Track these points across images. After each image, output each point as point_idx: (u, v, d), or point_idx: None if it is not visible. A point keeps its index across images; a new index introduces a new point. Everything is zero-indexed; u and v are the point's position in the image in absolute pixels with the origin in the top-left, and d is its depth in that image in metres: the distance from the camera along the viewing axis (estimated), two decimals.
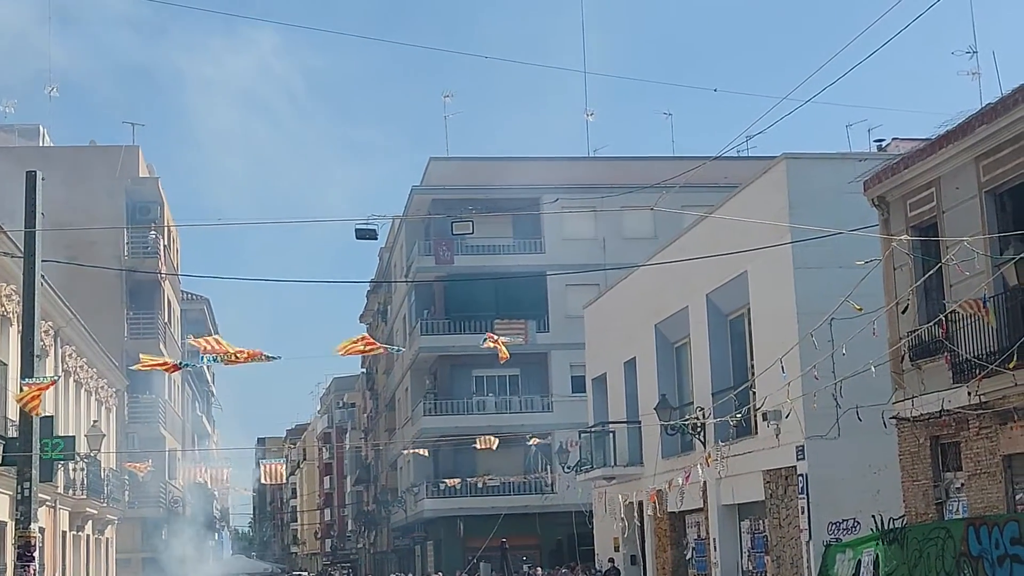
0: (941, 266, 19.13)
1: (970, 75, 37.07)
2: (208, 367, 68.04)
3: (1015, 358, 17.32)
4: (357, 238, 48.60)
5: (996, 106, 19.04)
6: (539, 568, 44.66)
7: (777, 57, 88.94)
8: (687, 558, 33.23)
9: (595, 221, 53.42)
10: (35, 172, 22.38)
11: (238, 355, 18.69)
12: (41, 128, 52.78)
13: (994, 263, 18.33)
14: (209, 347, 18.78)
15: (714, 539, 30.23)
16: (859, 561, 19.02)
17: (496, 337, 22.43)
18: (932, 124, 26.51)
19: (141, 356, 21.04)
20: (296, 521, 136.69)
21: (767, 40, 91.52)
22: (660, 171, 37.45)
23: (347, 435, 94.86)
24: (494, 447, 40.70)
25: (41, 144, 51.72)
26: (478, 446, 40.25)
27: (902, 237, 20.03)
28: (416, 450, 41.93)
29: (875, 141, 35.90)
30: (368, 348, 20.37)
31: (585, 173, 53.89)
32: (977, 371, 18.41)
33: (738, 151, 36.55)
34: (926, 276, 19.84)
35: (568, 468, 39.87)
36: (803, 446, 24.99)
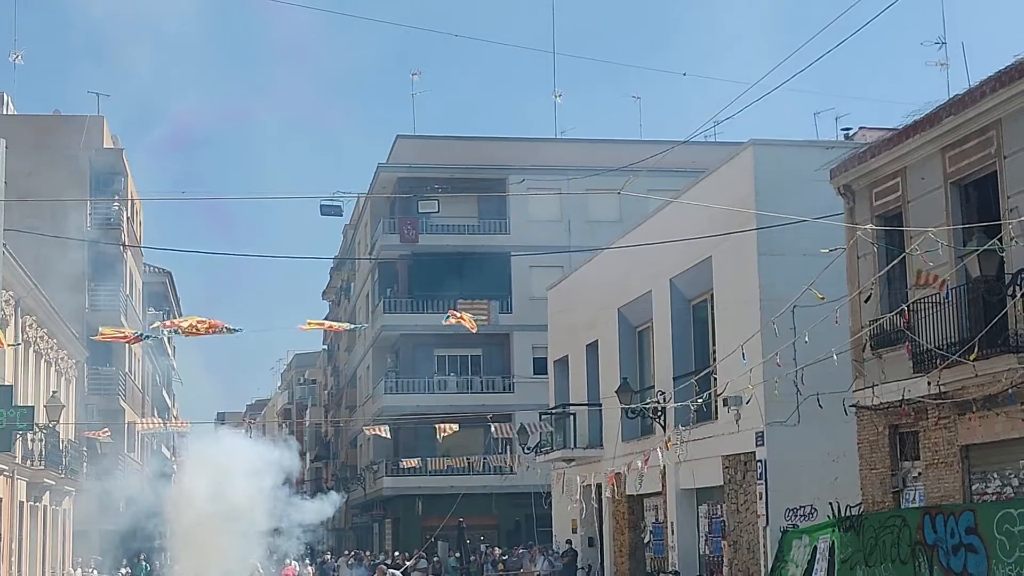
0: (905, 256, 19.25)
1: (938, 66, 37.21)
2: (169, 340, 67.70)
3: (976, 349, 17.46)
4: (322, 214, 48.92)
5: (963, 97, 19.15)
6: (496, 548, 44.72)
7: (747, 43, 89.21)
8: (645, 541, 33.39)
9: (561, 203, 53.45)
10: None
11: (198, 325, 18.62)
12: (5, 96, 52.21)
13: (957, 254, 18.45)
14: (171, 323, 18.74)
15: (672, 523, 30.36)
16: (815, 548, 19.11)
17: (459, 313, 22.46)
18: (900, 114, 26.62)
19: (101, 329, 20.90)
20: None
21: (738, 26, 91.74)
22: (627, 154, 37.50)
23: (307, 412, 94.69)
24: (455, 430, 40.70)
25: (4, 112, 51.17)
26: (439, 431, 40.23)
27: (867, 227, 20.13)
28: (376, 430, 41.84)
29: (842, 130, 35.96)
30: (333, 327, 20.38)
31: (552, 154, 53.85)
32: (938, 361, 18.53)
33: (706, 136, 36.52)
34: (890, 266, 19.95)
35: (528, 449, 39.94)
36: (763, 432, 25.12)
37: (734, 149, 28.15)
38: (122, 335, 21.44)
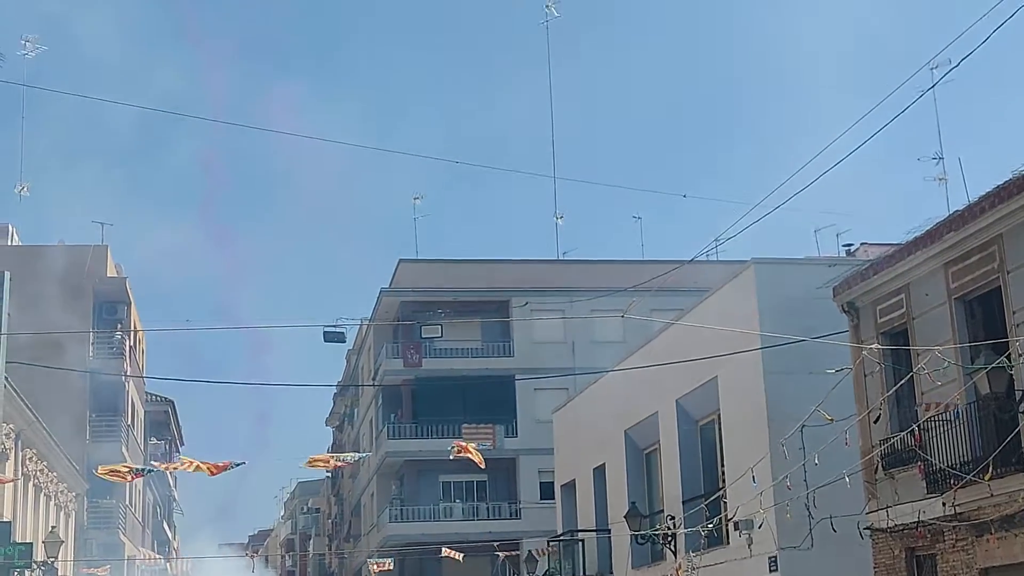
0: (912, 374, 19.00)
1: (937, 181, 37.20)
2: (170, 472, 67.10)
3: (990, 468, 17.12)
4: (325, 341, 48.86)
5: (964, 213, 19.06)
6: None
7: (746, 162, 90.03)
8: None
9: (565, 325, 53.30)
10: (2, 272, 22.14)
11: (202, 466, 18.41)
12: (10, 227, 52.45)
13: (966, 371, 18.19)
14: (174, 465, 18.55)
15: None
16: None
17: (464, 444, 22.12)
18: (901, 230, 26.64)
19: (102, 467, 20.61)
20: None
21: (736, 145, 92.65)
22: (629, 274, 37.52)
23: (311, 542, 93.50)
24: (460, 559, 40.06)
25: (9, 243, 51.35)
26: (444, 554, 39.59)
27: (873, 345, 19.90)
28: (381, 565, 41.16)
29: (844, 246, 35.94)
30: (336, 463, 20.09)
31: (555, 276, 53.90)
32: (952, 481, 18.18)
33: (707, 255, 36.47)
34: (898, 385, 19.69)
35: None
36: (776, 557, 24.57)
37: (736, 268, 28.03)
38: (123, 472, 21.12)
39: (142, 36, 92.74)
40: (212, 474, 18.51)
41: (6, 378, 29.58)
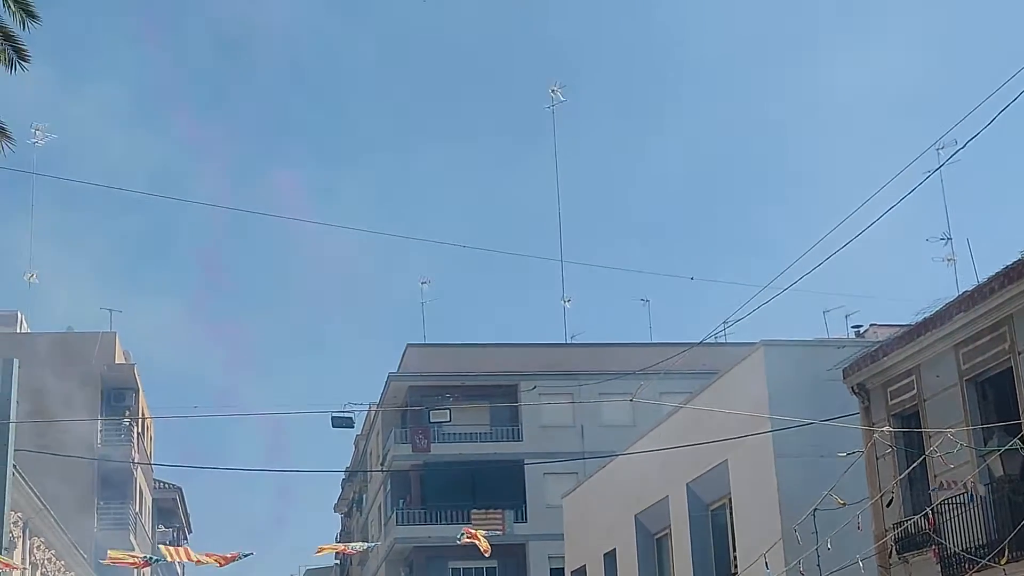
0: (925, 457, 18.90)
1: (945, 261, 37.23)
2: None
3: (1006, 552, 16.97)
4: (333, 426, 48.74)
5: (973, 294, 19.07)
6: None
7: (754, 243, 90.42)
8: None
9: (573, 408, 53.14)
10: (12, 360, 22.19)
11: (218, 560, 18.39)
12: (19, 315, 52.64)
13: (979, 454, 18.11)
14: (180, 556, 18.52)
15: None
16: None
17: (473, 531, 21.98)
18: (910, 311, 26.60)
19: (110, 553, 20.55)
20: None
21: (743, 228, 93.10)
22: (638, 357, 37.47)
23: None
24: None
25: (18, 331, 51.49)
26: None
27: (884, 429, 19.82)
28: None
29: (853, 327, 35.87)
30: (345, 551, 20.05)
31: (563, 359, 53.82)
32: (967, 566, 18.01)
33: (716, 338, 36.40)
34: (910, 468, 19.57)
35: None
36: None
37: (745, 350, 27.95)
38: (131, 560, 21.03)
39: (139, 115, 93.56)
40: (221, 566, 18.47)
41: (14, 466, 29.52)
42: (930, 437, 18.92)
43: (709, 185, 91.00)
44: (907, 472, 19.77)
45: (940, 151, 17.95)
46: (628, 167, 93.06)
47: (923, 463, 19.36)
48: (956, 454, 17.59)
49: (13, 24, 18.58)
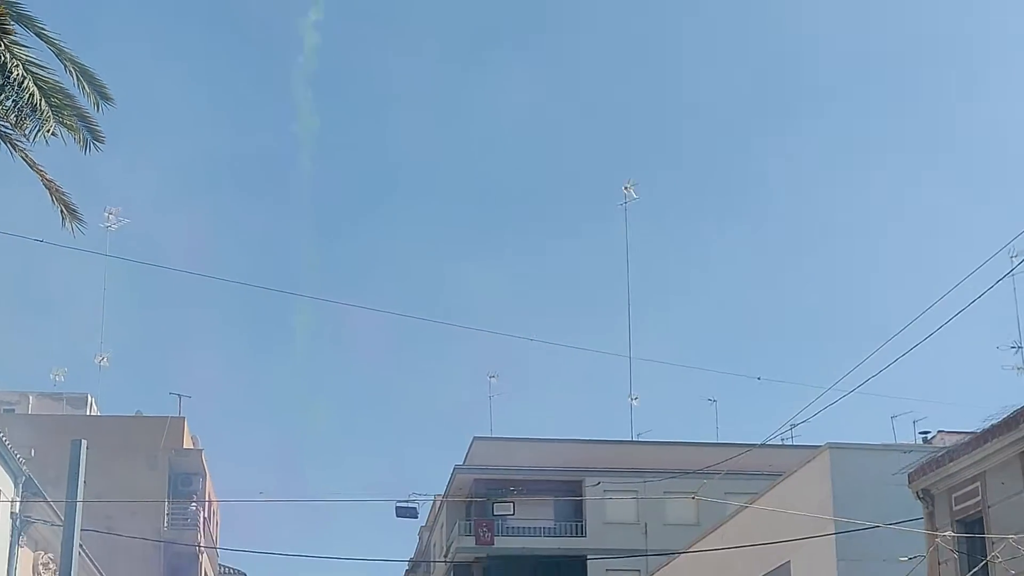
0: (987, 563, 18.74)
1: (1015, 370, 36.91)
2: None
3: None
4: (397, 516, 48.77)
5: None
6: None
7: (821, 344, 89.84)
8: None
9: (637, 505, 52.86)
10: (80, 441, 22.60)
11: None
12: (89, 397, 53.44)
13: None
14: None
15: None
16: None
17: None
18: (977, 417, 26.42)
19: None
20: None
21: (810, 328, 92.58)
22: (704, 457, 37.35)
23: None
24: None
25: (88, 413, 52.26)
26: None
27: (947, 533, 19.70)
28: None
29: (920, 433, 35.65)
30: None
31: (628, 456, 53.66)
32: None
33: (782, 439, 36.32)
34: (971, 573, 19.40)
35: None
36: None
37: (810, 452, 27.91)
38: None
39: (195, 195, 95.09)
40: None
41: (81, 546, 29.89)
42: (993, 544, 18.77)
43: (782, 286, 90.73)
44: None
45: (1013, 258, 18.03)
46: (698, 261, 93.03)
47: (984, 569, 19.18)
48: (1018, 561, 17.43)
49: (88, 105, 19.19)
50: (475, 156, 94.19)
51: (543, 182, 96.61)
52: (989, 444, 20.13)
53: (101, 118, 19.35)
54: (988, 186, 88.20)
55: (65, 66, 18.80)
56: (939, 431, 34.00)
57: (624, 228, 56.67)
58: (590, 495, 51.77)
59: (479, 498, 53.01)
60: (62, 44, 18.76)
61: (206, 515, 53.75)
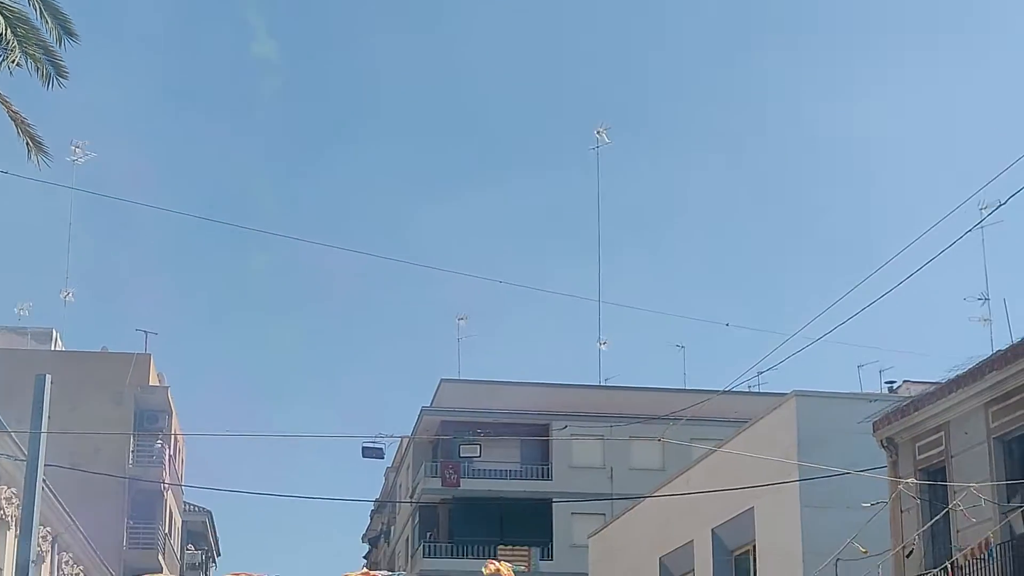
0: (948, 511, 18.90)
1: (982, 322, 37.12)
2: None
3: None
4: (363, 456, 48.78)
5: (1006, 353, 19.12)
6: None
7: (790, 292, 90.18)
8: None
9: (603, 450, 53.15)
10: (44, 376, 22.38)
11: None
12: (54, 332, 53.07)
13: (1001, 510, 18.11)
14: None
15: None
16: None
17: (497, 563, 22.05)
18: (943, 368, 26.61)
19: None
20: None
21: (779, 276, 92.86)
22: (670, 402, 37.47)
23: None
24: None
25: (53, 348, 51.96)
26: None
27: (909, 481, 19.85)
28: None
29: (886, 383, 35.91)
30: None
31: (595, 401, 53.90)
32: None
33: (748, 386, 36.45)
34: (933, 521, 19.58)
35: None
36: None
37: (777, 399, 28.04)
38: None
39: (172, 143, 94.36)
40: None
41: (44, 480, 29.81)
42: (955, 492, 18.93)
43: (750, 232, 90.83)
44: (929, 525, 19.78)
45: (982, 209, 18.04)
46: (665, 209, 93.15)
47: (946, 518, 19.37)
48: (979, 510, 17.60)
49: (51, 39, 18.87)
50: (448, 95, 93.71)
51: (516, 123, 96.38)
52: (953, 395, 20.26)
53: (65, 53, 19.10)
54: (961, 136, 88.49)
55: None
56: (905, 381, 34.25)
57: (596, 173, 56.60)
58: (556, 438, 52.03)
59: (446, 438, 53.15)
60: None
61: (171, 452, 53.69)
